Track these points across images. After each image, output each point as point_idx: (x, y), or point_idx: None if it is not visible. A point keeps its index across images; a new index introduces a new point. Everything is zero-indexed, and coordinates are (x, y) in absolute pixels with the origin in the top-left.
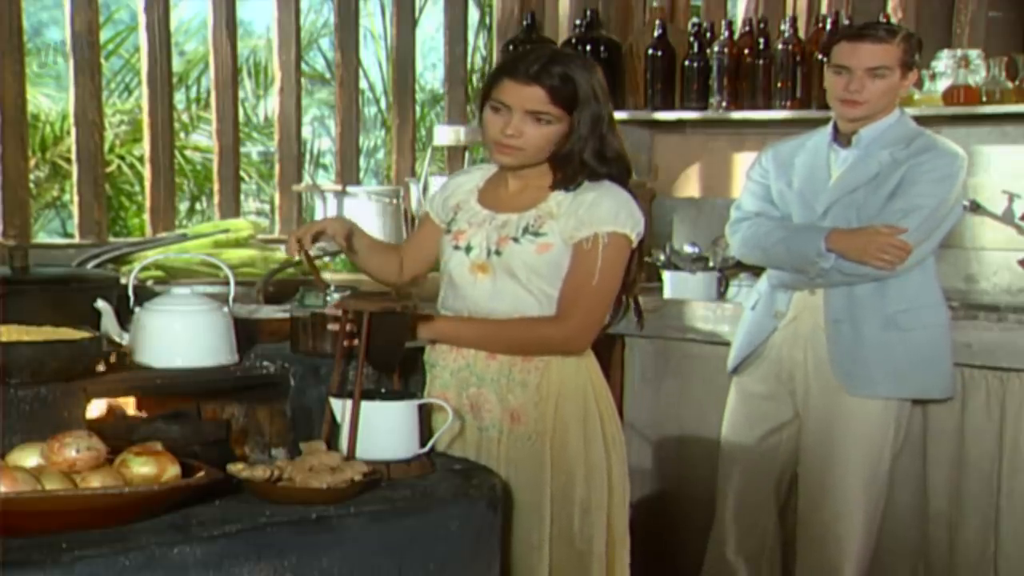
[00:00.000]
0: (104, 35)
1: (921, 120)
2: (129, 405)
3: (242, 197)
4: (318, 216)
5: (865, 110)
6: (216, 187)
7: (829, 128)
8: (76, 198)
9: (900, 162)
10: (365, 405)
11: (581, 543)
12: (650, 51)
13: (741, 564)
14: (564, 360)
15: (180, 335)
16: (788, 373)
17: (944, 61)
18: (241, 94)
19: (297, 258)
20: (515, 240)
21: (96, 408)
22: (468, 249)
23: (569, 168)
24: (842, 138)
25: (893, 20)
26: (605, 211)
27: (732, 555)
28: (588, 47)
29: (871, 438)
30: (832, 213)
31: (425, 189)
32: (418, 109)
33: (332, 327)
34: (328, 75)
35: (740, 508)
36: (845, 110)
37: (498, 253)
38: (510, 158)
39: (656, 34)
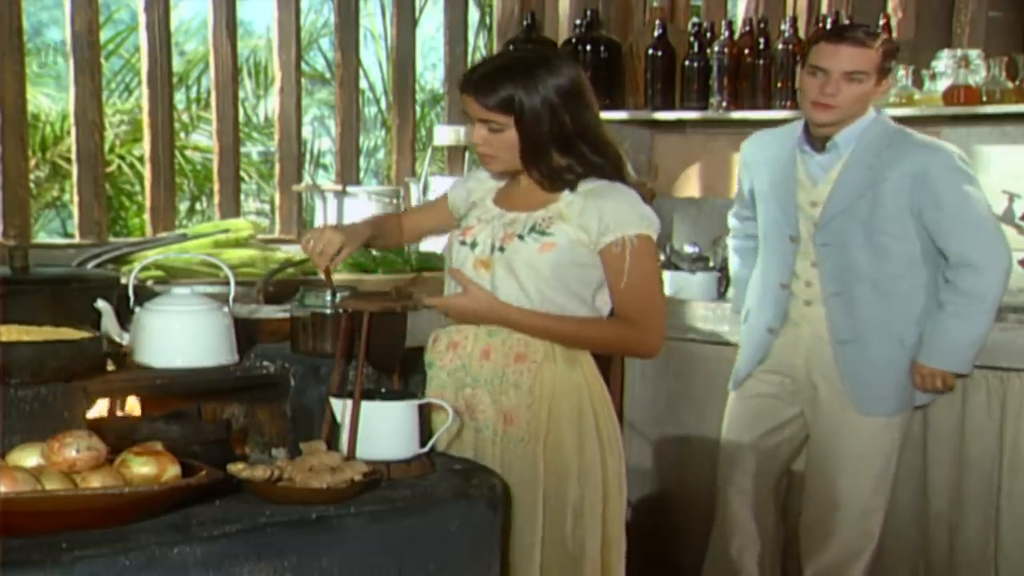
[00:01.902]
0: (104, 35)
1: (921, 120)
2: (129, 405)
3: (242, 197)
4: (318, 217)
5: (836, 115)
6: (216, 187)
7: (799, 130)
8: (76, 198)
9: (889, 164)
10: (365, 405)
11: (573, 547)
12: (650, 51)
13: (742, 563)
14: (557, 362)
15: (180, 335)
16: (790, 378)
17: (944, 61)
18: (241, 94)
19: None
20: (520, 237)
21: (96, 408)
22: (473, 245)
23: (541, 166)
24: (816, 141)
25: (893, 20)
26: (628, 215)
27: (733, 554)
28: (588, 47)
29: (880, 447)
30: (833, 226)
31: (425, 189)
32: (418, 109)
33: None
34: (328, 75)
35: (741, 507)
36: (816, 113)
37: (501, 249)
38: (492, 165)
39: (656, 34)
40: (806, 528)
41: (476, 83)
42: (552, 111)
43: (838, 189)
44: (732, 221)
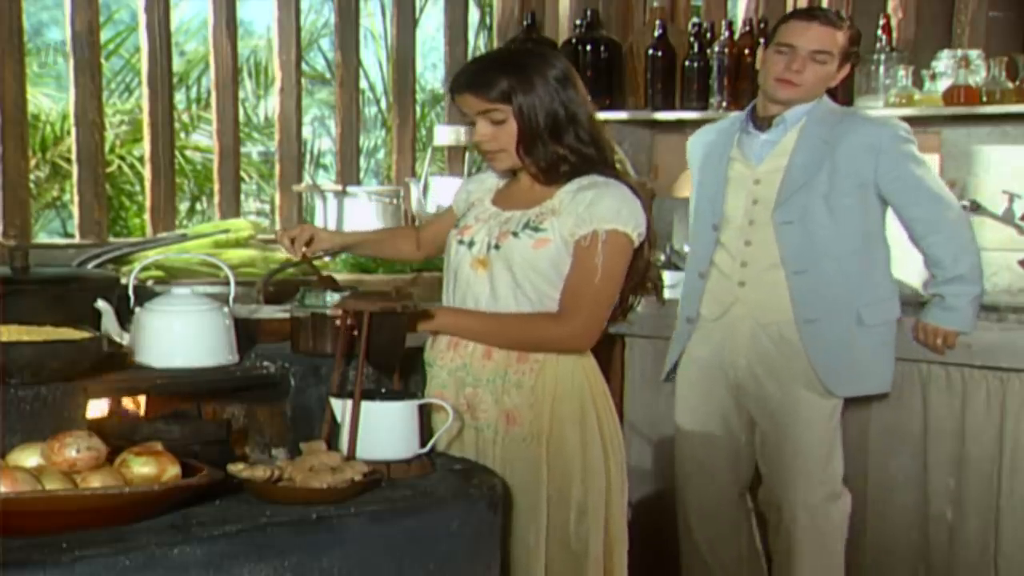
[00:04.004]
0: (104, 35)
1: (921, 120)
2: (130, 405)
3: (242, 197)
4: (318, 217)
5: (800, 93)
6: (216, 187)
7: (744, 115)
8: (76, 198)
9: (842, 137)
10: (365, 405)
11: (577, 545)
12: (650, 51)
13: (717, 557)
14: (560, 361)
15: (180, 335)
16: (732, 379)
17: (944, 61)
18: (241, 94)
19: (296, 258)
20: (514, 235)
21: (96, 408)
22: (471, 244)
23: (538, 155)
24: (762, 122)
25: (893, 20)
26: (605, 208)
27: (706, 553)
28: (588, 47)
29: (829, 433)
30: (794, 202)
31: (425, 189)
32: (418, 109)
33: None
34: (328, 75)
35: (703, 518)
36: (780, 89)
37: (497, 247)
38: (498, 162)
39: (656, 34)
40: (773, 531)
41: (472, 78)
42: (547, 98)
43: (796, 163)
44: None
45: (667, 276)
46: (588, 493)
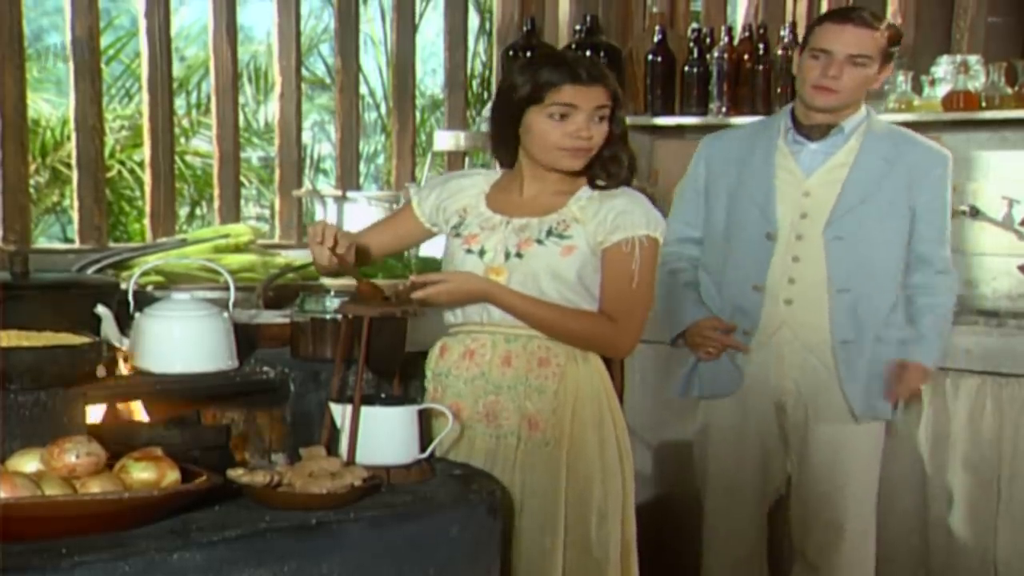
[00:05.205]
0: (104, 40)
1: (920, 125)
2: (129, 410)
3: (242, 202)
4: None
5: (839, 100)
6: (216, 192)
7: (782, 122)
8: (76, 203)
9: (901, 156)
10: (365, 410)
11: (598, 550)
12: (650, 56)
13: None
14: (579, 365)
15: (180, 340)
16: (779, 401)
17: (944, 67)
18: (241, 99)
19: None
20: (539, 242)
21: (96, 413)
22: (482, 253)
23: (613, 161)
24: (811, 131)
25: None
26: (639, 216)
27: None
28: (588, 52)
29: (874, 458)
30: (848, 219)
31: None
32: (418, 114)
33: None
34: (328, 80)
35: (728, 537)
36: (818, 96)
37: (519, 256)
38: (578, 162)
39: (656, 39)
40: (804, 557)
41: (602, 72)
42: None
43: (855, 178)
44: (685, 248)
45: None
46: (607, 497)
